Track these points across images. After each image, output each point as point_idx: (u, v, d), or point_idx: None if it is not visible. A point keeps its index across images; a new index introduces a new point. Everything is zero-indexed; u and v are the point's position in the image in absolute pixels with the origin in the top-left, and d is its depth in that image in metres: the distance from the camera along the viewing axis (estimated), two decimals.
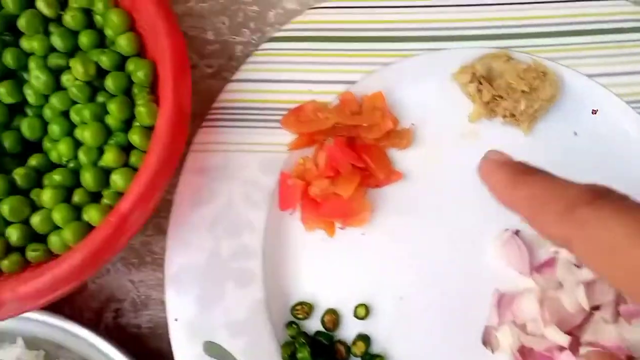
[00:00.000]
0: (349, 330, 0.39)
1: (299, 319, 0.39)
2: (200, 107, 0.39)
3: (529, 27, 0.40)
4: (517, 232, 0.39)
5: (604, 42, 0.40)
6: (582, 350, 0.36)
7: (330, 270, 0.39)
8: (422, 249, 0.40)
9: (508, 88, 0.39)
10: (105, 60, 0.35)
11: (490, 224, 0.39)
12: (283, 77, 0.40)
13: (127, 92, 0.36)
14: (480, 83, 0.39)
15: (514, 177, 0.26)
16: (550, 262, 0.38)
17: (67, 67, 0.36)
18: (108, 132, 0.35)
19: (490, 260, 0.39)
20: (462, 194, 0.39)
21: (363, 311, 0.39)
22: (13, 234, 0.34)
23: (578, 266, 0.38)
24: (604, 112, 0.40)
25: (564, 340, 0.36)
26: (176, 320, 0.37)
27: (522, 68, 0.39)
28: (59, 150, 0.35)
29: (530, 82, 0.39)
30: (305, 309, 0.39)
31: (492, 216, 0.38)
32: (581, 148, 0.40)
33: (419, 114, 0.41)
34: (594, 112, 0.40)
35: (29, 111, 0.37)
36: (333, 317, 0.39)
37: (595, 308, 0.37)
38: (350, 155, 0.38)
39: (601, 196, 0.22)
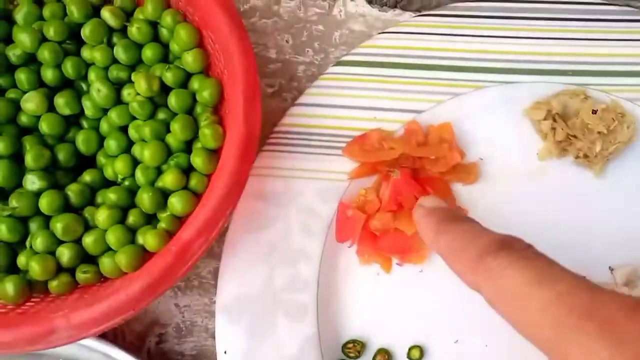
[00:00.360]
0: None
1: (350, 357, 0.37)
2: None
3: (607, 64, 0.38)
4: None
5: None
6: None
7: (384, 307, 0.38)
8: None
9: (584, 128, 0.37)
10: (169, 77, 0.34)
11: None
12: (348, 102, 0.38)
13: (189, 111, 0.34)
14: (555, 121, 0.37)
15: (439, 224, 0.27)
16: None
17: (128, 81, 0.35)
18: (168, 152, 0.34)
19: None
20: (526, 232, 0.37)
21: (417, 353, 0.37)
22: (64, 253, 0.32)
23: None
24: None
25: None
26: (225, 352, 0.35)
27: (601, 108, 0.37)
28: (116, 167, 0.34)
29: (609, 123, 0.37)
30: (357, 347, 0.37)
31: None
32: None
33: (486, 148, 0.39)
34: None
35: (85, 123, 0.36)
36: (385, 358, 0.37)
37: None
38: (417, 188, 0.36)
39: (506, 246, 0.24)
